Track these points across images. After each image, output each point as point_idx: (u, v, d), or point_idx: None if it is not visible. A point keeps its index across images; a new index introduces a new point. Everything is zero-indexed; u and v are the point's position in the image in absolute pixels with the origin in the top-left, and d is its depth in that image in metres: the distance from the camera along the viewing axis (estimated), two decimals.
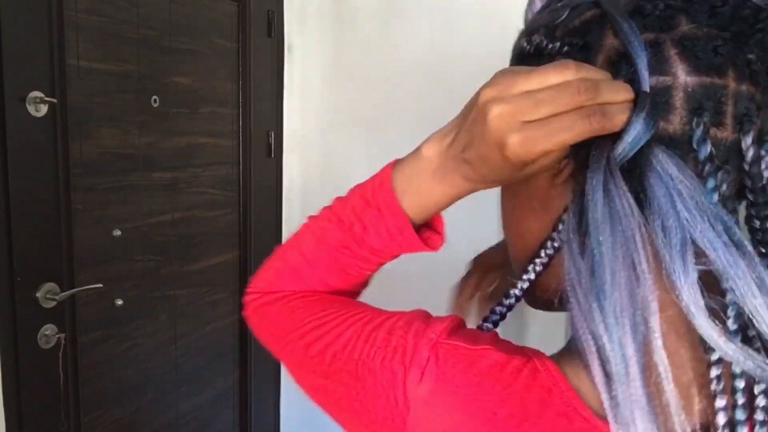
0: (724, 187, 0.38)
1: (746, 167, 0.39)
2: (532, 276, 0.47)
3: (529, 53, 0.46)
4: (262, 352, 2.01)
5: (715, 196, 0.37)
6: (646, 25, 0.39)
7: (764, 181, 0.38)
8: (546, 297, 0.48)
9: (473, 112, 0.42)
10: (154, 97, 1.50)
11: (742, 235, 0.36)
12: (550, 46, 0.43)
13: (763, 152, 0.39)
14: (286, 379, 2.10)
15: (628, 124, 0.37)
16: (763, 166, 0.39)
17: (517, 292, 0.49)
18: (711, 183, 0.37)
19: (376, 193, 0.52)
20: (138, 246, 1.50)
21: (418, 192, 0.50)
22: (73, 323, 1.34)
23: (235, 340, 1.88)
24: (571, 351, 0.40)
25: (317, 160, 2.00)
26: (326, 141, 1.98)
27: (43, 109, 1.22)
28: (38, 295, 1.25)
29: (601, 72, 0.39)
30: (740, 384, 0.37)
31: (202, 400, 1.77)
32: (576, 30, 0.42)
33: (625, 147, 0.37)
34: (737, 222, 0.38)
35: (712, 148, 0.37)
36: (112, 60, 1.38)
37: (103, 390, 1.44)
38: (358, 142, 1.92)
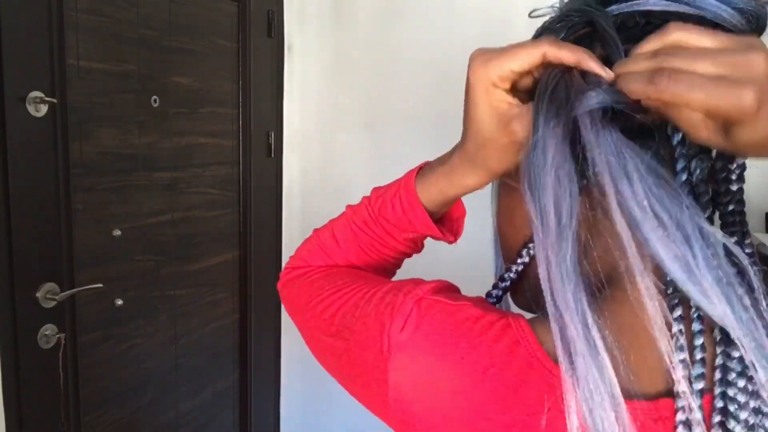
0: (698, 172, 0.43)
1: (716, 156, 0.44)
2: (527, 259, 0.52)
3: None
4: (262, 352, 2.02)
5: (684, 176, 0.42)
6: (629, 37, 0.44)
7: (726, 173, 0.44)
8: (530, 294, 0.53)
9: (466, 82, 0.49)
10: (154, 97, 1.50)
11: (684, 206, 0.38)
12: None
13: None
14: (286, 379, 2.10)
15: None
16: (729, 158, 0.44)
17: (511, 275, 0.53)
18: (680, 164, 0.42)
19: (402, 178, 0.60)
20: (138, 246, 1.50)
21: (436, 181, 0.56)
22: (73, 323, 1.34)
23: (235, 340, 1.88)
24: (544, 313, 0.44)
25: (317, 160, 2.00)
26: (326, 141, 1.98)
27: (43, 109, 1.22)
28: (38, 295, 1.25)
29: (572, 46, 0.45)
30: (699, 341, 0.40)
31: (202, 400, 1.77)
32: (571, 42, 0.48)
33: (598, 100, 0.41)
34: (704, 203, 0.43)
35: (684, 135, 0.42)
36: (112, 60, 1.38)
37: (103, 390, 1.44)
38: (358, 142, 1.92)
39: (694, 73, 0.37)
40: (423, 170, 0.59)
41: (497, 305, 0.55)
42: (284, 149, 2.00)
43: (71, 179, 1.30)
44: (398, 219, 0.60)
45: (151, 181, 1.51)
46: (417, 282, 0.50)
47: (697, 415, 0.38)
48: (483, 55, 0.46)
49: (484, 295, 0.55)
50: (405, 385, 0.45)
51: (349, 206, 0.67)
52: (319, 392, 2.03)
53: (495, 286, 0.55)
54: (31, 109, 1.20)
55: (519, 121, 0.46)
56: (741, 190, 0.46)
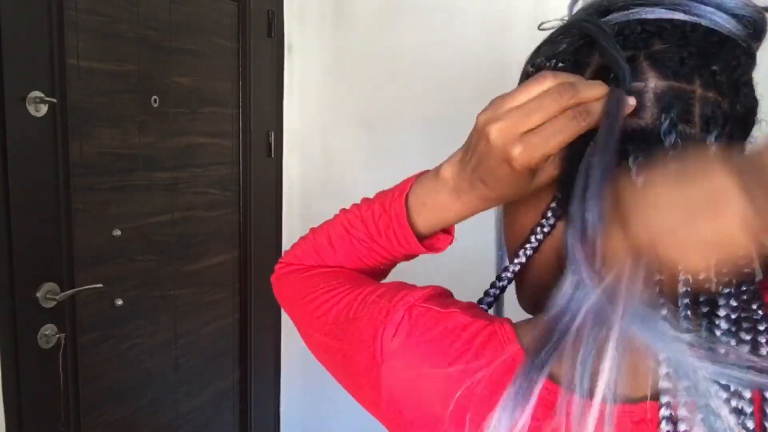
0: None
1: None
2: (523, 260, 0.53)
3: (532, 74, 0.50)
4: (262, 352, 2.01)
5: None
6: (625, 44, 0.45)
7: None
8: (531, 291, 0.55)
9: (476, 137, 0.48)
10: (154, 97, 1.50)
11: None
12: (548, 64, 0.49)
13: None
14: (286, 379, 2.10)
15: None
16: None
17: (509, 274, 0.54)
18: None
19: (393, 203, 0.59)
20: (138, 246, 1.50)
21: (434, 207, 0.56)
22: (73, 323, 1.34)
23: (235, 340, 1.88)
24: (535, 317, 0.45)
25: (317, 160, 2.00)
26: (326, 141, 1.98)
27: (43, 109, 1.22)
28: (38, 295, 1.25)
29: (573, 75, 0.45)
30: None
31: (202, 400, 1.77)
32: (570, 52, 0.49)
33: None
34: None
35: (678, 139, 0.42)
36: (112, 60, 1.38)
37: (103, 390, 1.44)
38: (358, 142, 1.92)
39: None
40: (413, 194, 0.57)
41: (494, 303, 0.56)
42: (284, 149, 2.00)
43: (71, 179, 1.30)
44: (394, 248, 0.60)
45: (151, 181, 1.51)
46: (409, 288, 0.52)
47: (683, 411, 0.39)
48: (508, 131, 0.44)
49: (483, 293, 0.56)
50: (397, 390, 0.47)
51: (343, 211, 0.67)
52: (319, 392, 2.03)
53: (493, 285, 0.56)
54: (31, 109, 1.20)
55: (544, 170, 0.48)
56: None
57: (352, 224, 0.63)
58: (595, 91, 0.43)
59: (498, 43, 1.63)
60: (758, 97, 0.47)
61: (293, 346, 2.07)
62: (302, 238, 0.70)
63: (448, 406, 0.44)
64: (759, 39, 0.47)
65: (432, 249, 0.61)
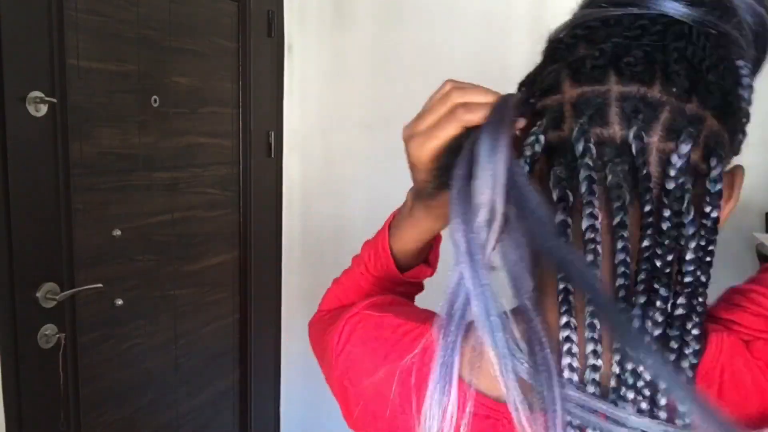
0: (610, 177, 0.41)
1: (634, 159, 0.41)
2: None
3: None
4: (262, 352, 2.01)
5: (584, 186, 0.41)
6: (554, 57, 0.45)
7: (646, 170, 0.40)
8: None
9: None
10: (154, 97, 1.50)
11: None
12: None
13: (649, 144, 0.41)
14: (286, 379, 2.10)
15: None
16: (647, 155, 0.41)
17: None
18: (582, 174, 0.41)
19: (380, 232, 0.65)
20: (138, 246, 1.50)
21: (401, 229, 0.61)
22: (73, 323, 1.34)
23: (235, 340, 1.88)
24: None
25: (317, 160, 2.00)
26: (326, 141, 1.98)
27: (43, 109, 1.22)
28: (38, 295, 1.25)
29: (474, 84, 0.48)
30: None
31: (202, 400, 1.77)
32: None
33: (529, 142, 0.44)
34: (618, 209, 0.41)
35: (590, 145, 0.41)
36: (112, 60, 1.38)
37: (103, 390, 1.44)
38: (358, 142, 1.92)
39: None
40: (393, 225, 0.63)
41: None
42: (284, 149, 2.00)
43: (71, 179, 1.30)
44: (382, 277, 0.65)
45: (151, 181, 1.51)
46: (363, 301, 0.57)
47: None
48: (409, 134, 0.50)
49: None
50: (350, 389, 0.52)
51: (353, 259, 0.72)
52: (319, 392, 2.03)
53: None
54: (31, 109, 1.20)
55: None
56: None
57: (356, 259, 0.69)
58: (484, 95, 0.47)
59: (498, 43, 1.63)
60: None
61: (293, 346, 2.07)
62: (327, 289, 0.75)
63: (384, 397, 0.48)
64: (726, 20, 0.42)
65: (414, 278, 0.65)
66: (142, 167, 1.48)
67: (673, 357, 0.40)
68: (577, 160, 0.41)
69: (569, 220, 0.42)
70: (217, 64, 1.71)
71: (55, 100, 1.24)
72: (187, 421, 1.71)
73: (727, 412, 0.40)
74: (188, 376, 1.70)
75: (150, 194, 1.52)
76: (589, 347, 0.40)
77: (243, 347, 1.90)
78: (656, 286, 0.40)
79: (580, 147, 0.41)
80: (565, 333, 0.41)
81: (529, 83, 0.47)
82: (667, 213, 0.40)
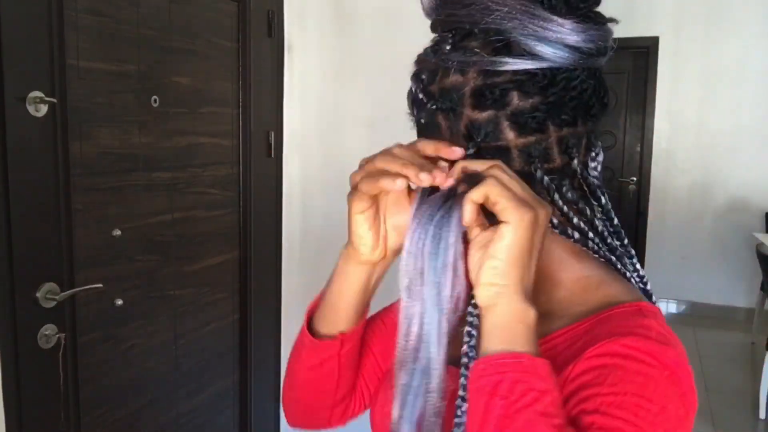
0: (569, 195, 0.55)
1: (580, 180, 0.56)
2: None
3: None
4: (262, 352, 2.01)
5: (558, 199, 0.55)
6: (485, 105, 0.53)
7: (589, 181, 0.57)
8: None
9: None
10: (154, 97, 1.50)
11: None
12: None
13: (584, 168, 0.57)
14: None
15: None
16: (587, 174, 0.57)
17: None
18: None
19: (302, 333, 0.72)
20: (138, 246, 1.50)
21: (329, 295, 0.65)
22: (73, 323, 1.34)
23: (235, 340, 1.88)
24: None
25: (317, 160, 2.00)
26: (326, 141, 1.98)
27: (43, 109, 1.22)
28: (38, 295, 1.25)
29: (407, 146, 0.55)
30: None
31: (202, 400, 1.77)
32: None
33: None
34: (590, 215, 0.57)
35: (543, 175, 0.54)
36: (112, 60, 1.38)
37: (103, 390, 1.44)
38: (358, 142, 1.92)
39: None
40: (317, 313, 0.66)
41: None
42: (284, 149, 2.00)
43: (71, 179, 1.30)
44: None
45: (151, 181, 1.51)
46: None
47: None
48: (351, 193, 0.56)
49: None
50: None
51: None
52: None
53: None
54: (31, 109, 1.20)
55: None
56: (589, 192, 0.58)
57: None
58: (388, 164, 0.52)
59: None
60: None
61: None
62: None
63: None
64: (605, 54, 0.54)
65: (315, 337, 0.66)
66: (142, 167, 1.48)
67: None
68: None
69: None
70: (217, 64, 1.71)
71: (55, 100, 1.24)
72: (187, 421, 1.71)
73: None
74: (188, 376, 1.70)
75: (150, 194, 1.52)
76: None
77: (243, 347, 1.90)
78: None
79: (540, 177, 0.54)
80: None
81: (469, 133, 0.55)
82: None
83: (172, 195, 1.58)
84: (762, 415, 3.01)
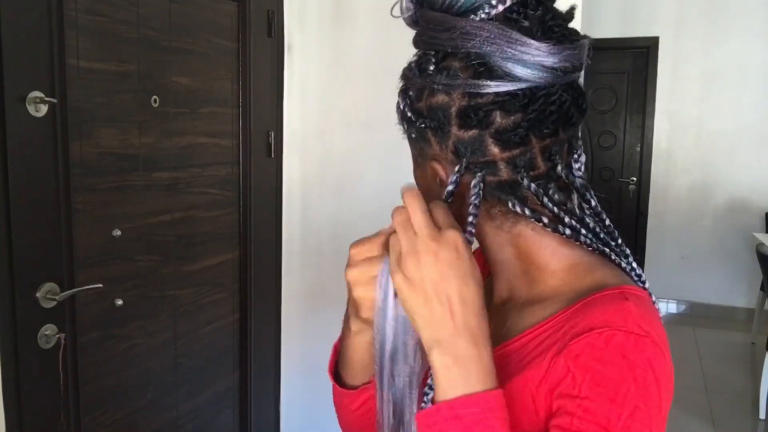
0: (557, 196, 0.58)
1: (566, 181, 0.59)
2: (451, 188, 0.66)
3: None
4: (262, 351, 2.01)
5: (548, 202, 0.58)
6: (470, 125, 0.56)
7: (576, 182, 0.59)
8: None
9: None
10: (154, 97, 1.50)
11: None
12: None
13: (569, 171, 0.59)
14: (286, 379, 2.10)
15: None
16: (572, 175, 0.59)
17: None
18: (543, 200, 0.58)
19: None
20: (138, 246, 1.50)
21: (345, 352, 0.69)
22: (73, 323, 1.34)
23: (235, 340, 1.88)
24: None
25: (317, 160, 2.00)
26: (326, 141, 1.98)
27: (43, 109, 1.22)
28: (38, 295, 1.25)
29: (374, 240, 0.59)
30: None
31: (202, 400, 1.77)
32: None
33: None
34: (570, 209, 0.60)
35: (530, 182, 0.57)
36: (112, 60, 1.38)
37: (103, 390, 1.44)
38: (358, 142, 1.92)
39: None
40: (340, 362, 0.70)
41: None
42: (284, 149, 2.00)
43: (71, 179, 1.30)
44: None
45: (151, 181, 1.51)
46: None
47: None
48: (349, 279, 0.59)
49: None
50: None
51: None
52: (319, 392, 2.03)
53: None
54: (31, 109, 1.20)
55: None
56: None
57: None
58: (366, 252, 0.58)
59: None
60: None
61: (293, 346, 2.07)
62: None
63: None
64: (581, 69, 0.57)
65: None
66: (142, 167, 1.48)
67: None
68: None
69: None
70: (217, 64, 1.71)
71: (55, 100, 1.24)
72: (187, 421, 1.71)
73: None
74: (188, 376, 1.70)
75: (150, 194, 1.52)
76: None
77: (243, 347, 1.90)
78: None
79: (527, 185, 0.57)
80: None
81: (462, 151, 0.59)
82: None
83: (172, 195, 1.58)
84: (762, 415, 3.01)
